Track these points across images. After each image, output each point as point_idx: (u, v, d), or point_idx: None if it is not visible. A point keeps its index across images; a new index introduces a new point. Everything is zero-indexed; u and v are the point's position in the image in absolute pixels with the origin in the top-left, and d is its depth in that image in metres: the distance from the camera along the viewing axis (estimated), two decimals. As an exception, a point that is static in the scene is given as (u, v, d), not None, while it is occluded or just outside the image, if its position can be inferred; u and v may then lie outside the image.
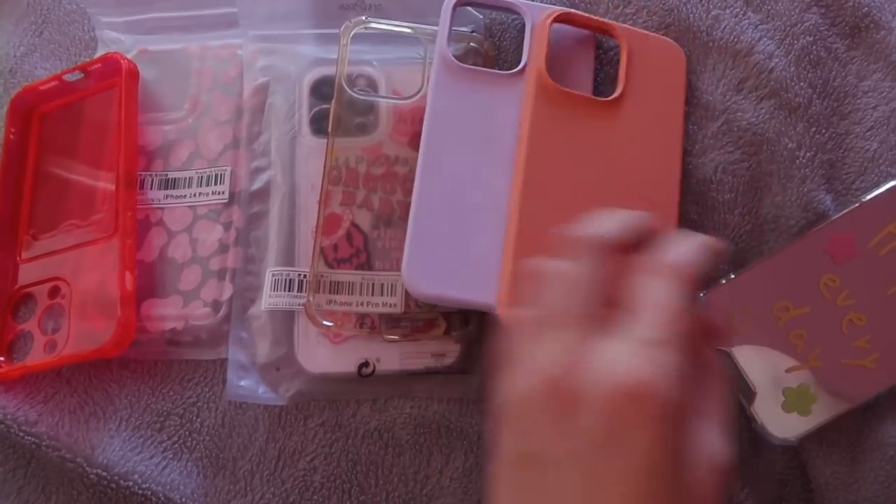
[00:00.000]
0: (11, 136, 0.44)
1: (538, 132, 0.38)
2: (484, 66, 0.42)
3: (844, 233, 0.38)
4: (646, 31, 0.41)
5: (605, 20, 0.40)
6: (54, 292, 0.41)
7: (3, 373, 0.40)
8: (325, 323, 0.38)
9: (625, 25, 0.40)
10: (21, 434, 0.38)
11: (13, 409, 0.39)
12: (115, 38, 0.45)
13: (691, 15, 0.43)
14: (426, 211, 0.38)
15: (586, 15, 0.40)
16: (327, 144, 0.40)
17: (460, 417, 0.38)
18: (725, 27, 0.42)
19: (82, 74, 0.44)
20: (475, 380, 0.39)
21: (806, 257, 0.38)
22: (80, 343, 0.39)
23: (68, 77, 0.44)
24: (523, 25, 0.43)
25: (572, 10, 0.40)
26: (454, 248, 0.37)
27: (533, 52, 0.39)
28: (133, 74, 0.43)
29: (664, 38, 0.41)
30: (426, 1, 0.44)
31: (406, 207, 0.40)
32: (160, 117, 0.43)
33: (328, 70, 0.43)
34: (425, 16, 0.43)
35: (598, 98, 0.39)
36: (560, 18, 0.39)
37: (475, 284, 0.37)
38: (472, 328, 0.38)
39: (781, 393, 0.37)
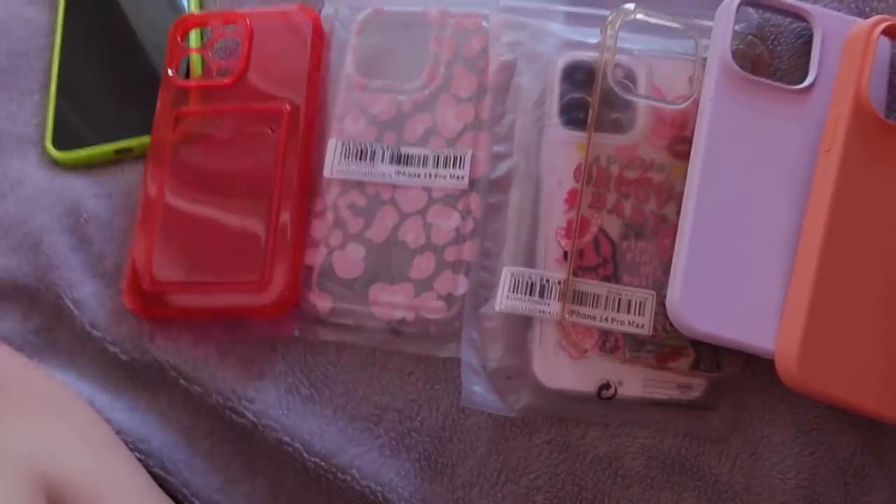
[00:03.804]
0: None
1: (849, 163, 0.33)
2: (754, 72, 0.38)
3: None
4: None
5: None
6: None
7: None
8: (588, 352, 0.35)
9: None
10: (242, 409, 0.37)
11: (232, 382, 0.37)
12: (346, -10, 0.43)
13: None
14: (703, 238, 0.34)
15: None
16: (587, 139, 0.37)
17: (697, 456, 0.35)
18: None
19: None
20: (719, 418, 0.36)
21: None
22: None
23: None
24: (806, 32, 0.39)
25: None
26: (730, 282, 0.34)
27: (847, 68, 0.35)
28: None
29: None
30: (698, -9, 0.40)
31: (659, 219, 0.37)
32: (394, 86, 0.40)
33: (582, 54, 0.39)
34: (696, 6, 0.39)
35: None
36: (889, 31, 0.35)
37: (752, 326, 0.34)
38: (725, 371, 0.35)
39: None
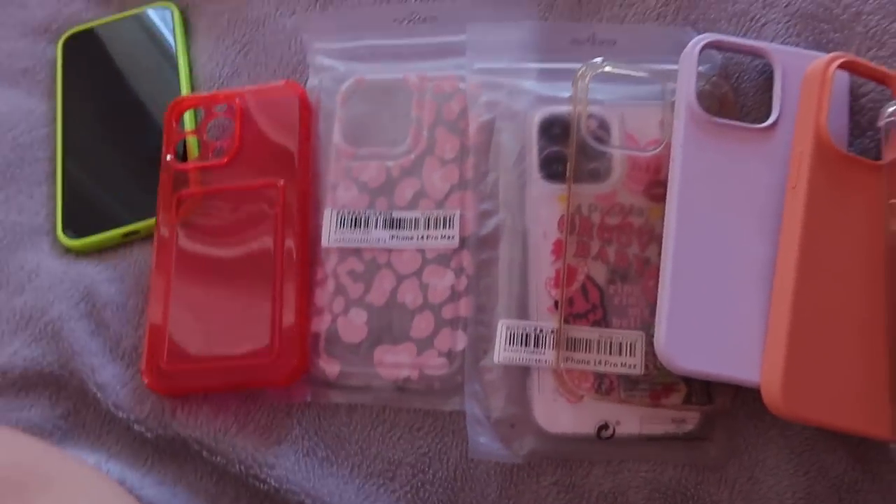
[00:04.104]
0: None
1: (815, 199, 0.35)
2: (721, 111, 0.40)
3: None
4: None
5: (886, 70, 0.37)
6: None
7: None
8: (584, 396, 0.37)
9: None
10: (264, 476, 0.38)
11: (252, 451, 0.39)
12: (328, 64, 0.45)
13: (958, 61, 0.40)
14: (682, 279, 0.36)
15: (869, 63, 0.38)
16: (566, 191, 0.39)
17: (697, 485, 0.37)
18: None
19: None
20: (714, 447, 0.37)
21: None
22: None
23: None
24: (768, 68, 0.40)
25: (857, 58, 0.37)
26: (713, 319, 0.36)
27: (806, 106, 0.36)
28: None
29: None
30: (663, 37, 0.42)
31: (642, 262, 0.39)
32: (382, 152, 0.42)
33: (557, 109, 0.41)
34: (661, 52, 0.41)
35: (880, 162, 0.37)
36: (844, 66, 0.37)
37: (737, 360, 0.35)
38: (717, 403, 0.37)
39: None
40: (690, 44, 0.39)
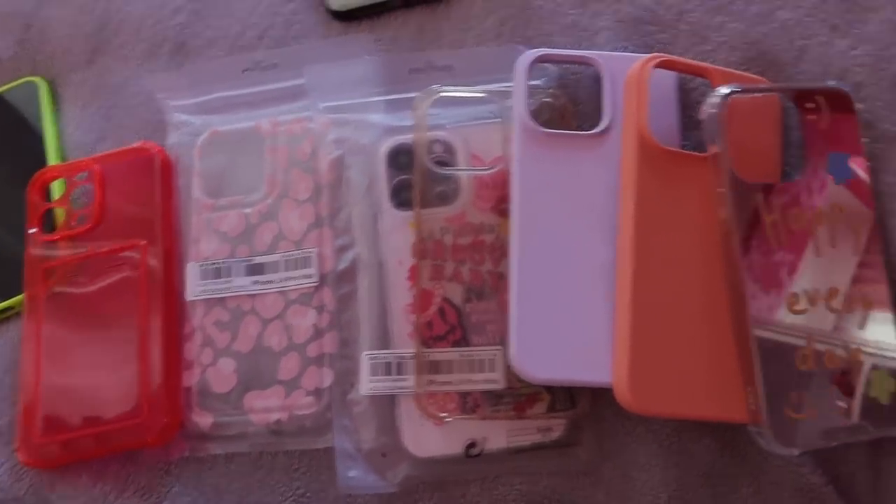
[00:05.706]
0: None
1: (644, 197, 0.36)
2: (561, 121, 0.41)
3: None
4: (745, 74, 0.39)
5: (703, 64, 0.39)
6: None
7: None
8: (445, 418, 0.37)
9: (722, 68, 0.39)
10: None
11: (130, 513, 0.39)
12: (184, 120, 0.45)
13: (775, 47, 0.41)
14: (528, 290, 0.37)
15: (685, 60, 0.39)
16: (415, 218, 0.39)
17: (573, 490, 0.38)
18: (812, 58, 0.40)
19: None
20: (584, 451, 0.38)
21: None
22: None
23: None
24: (599, 76, 0.41)
25: (672, 56, 0.38)
26: (562, 326, 0.37)
27: (628, 107, 0.37)
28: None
29: (760, 78, 0.40)
30: (496, 57, 0.43)
31: (497, 277, 0.39)
32: (240, 200, 0.43)
33: (402, 138, 0.42)
34: (497, 72, 0.42)
35: (705, 154, 0.37)
36: (661, 65, 0.38)
37: (589, 363, 0.36)
38: (579, 407, 0.38)
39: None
40: (519, 60, 0.40)
